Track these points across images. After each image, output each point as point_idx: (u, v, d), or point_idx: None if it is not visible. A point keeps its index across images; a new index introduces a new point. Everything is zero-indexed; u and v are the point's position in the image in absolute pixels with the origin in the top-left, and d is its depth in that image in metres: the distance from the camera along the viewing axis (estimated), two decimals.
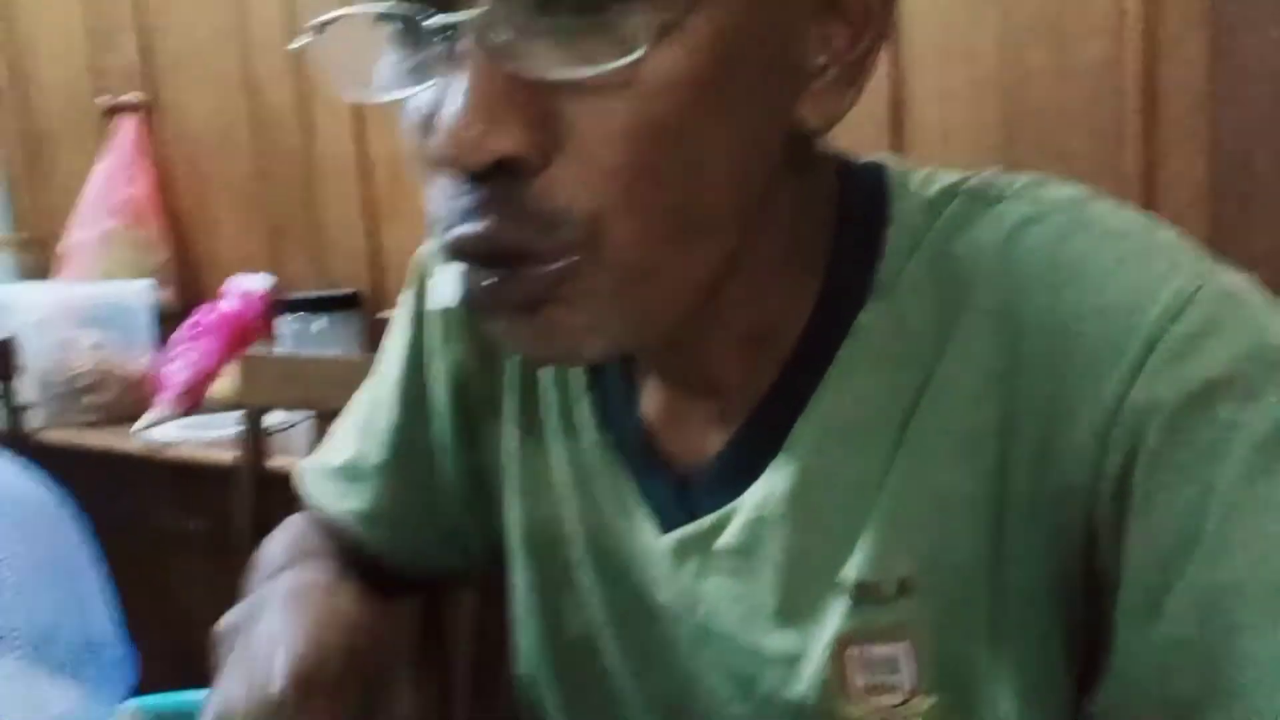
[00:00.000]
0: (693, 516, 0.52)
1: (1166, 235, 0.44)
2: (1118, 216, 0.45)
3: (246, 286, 1.71)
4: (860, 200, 0.49)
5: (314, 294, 1.66)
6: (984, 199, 0.47)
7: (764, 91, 0.41)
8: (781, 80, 0.42)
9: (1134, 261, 0.42)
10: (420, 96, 0.40)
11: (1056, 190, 0.46)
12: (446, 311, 0.59)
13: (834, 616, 0.48)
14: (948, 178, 0.48)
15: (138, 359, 1.72)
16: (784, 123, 0.43)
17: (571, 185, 0.38)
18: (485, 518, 0.63)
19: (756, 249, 0.45)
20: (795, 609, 0.49)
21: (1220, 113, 1.00)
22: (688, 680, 0.54)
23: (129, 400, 1.69)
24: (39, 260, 1.96)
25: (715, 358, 0.50)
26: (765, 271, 0.47)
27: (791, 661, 0.50)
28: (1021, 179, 0.47)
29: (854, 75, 0.43)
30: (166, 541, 1.48)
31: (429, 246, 0.61)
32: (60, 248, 1.83)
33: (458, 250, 0.41)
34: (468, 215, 0.39)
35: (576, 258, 0.39)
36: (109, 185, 1.80)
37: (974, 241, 0.46)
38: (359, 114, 1.61)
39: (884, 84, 1.15)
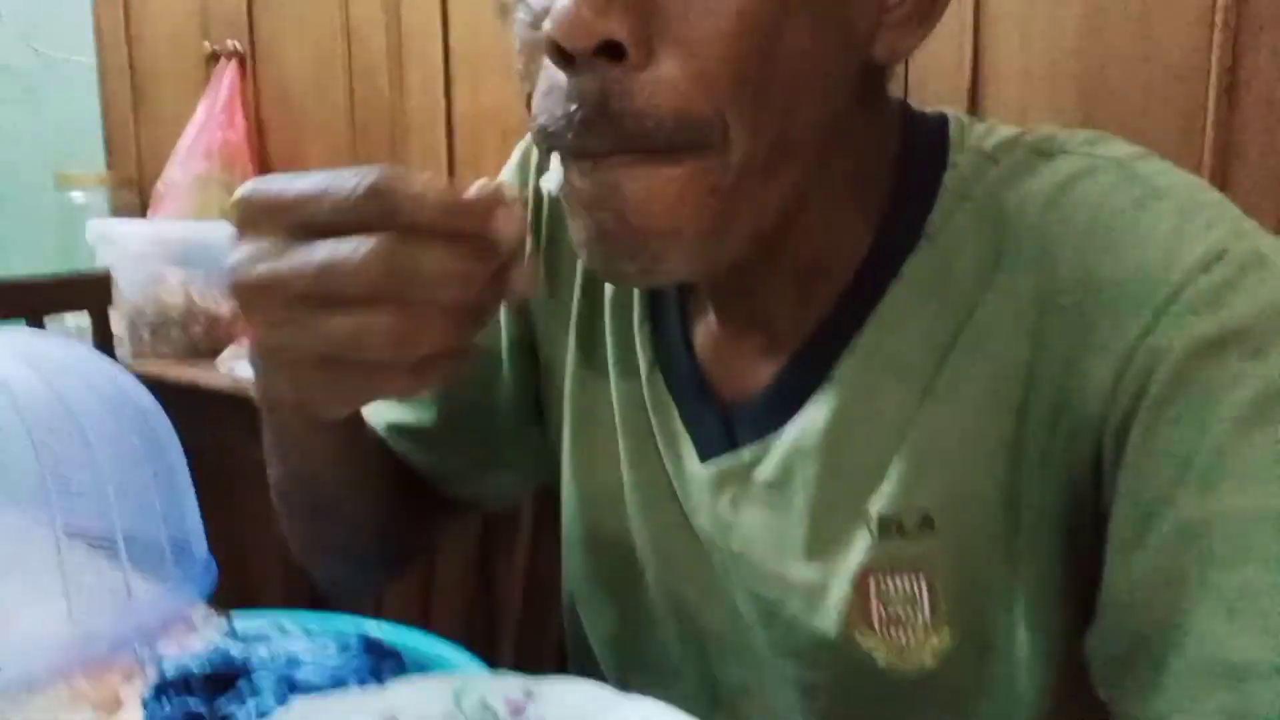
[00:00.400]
0: (735, 447, 0.54)
1: (1210, 196, 0.46)
2: (1166, 176, 0.46)
3: None
4: (921, 147, 0.51)
5: None
6: (1042, 152, 0.49)
7: (846, 15, 0.44)
8: (860, 8, 0.44)
9: (1172, 219, 0.44)
10: None
11: (1113, 147, 0.48)
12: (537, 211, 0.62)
13: (858, 548, 0.50)
14: (1010, 131, 0.50)
15: (224, 297, 1.79)
16: (861, 52, 0.46)
17: (687, 83, 0.40)
18: (537, 439, 0.66)
19: (824, 181, 0.48)
20: (823, 540, 0.52)
21: None
22: (719, 606, 0.57)
23: (215, 336, 1.76)
24: (136, 198, 2.04)
25: (771, 291, 0.52)
26: (828, 205, 0.49)
27: (816, 591, 0.52)
28: (1083, 134, 0.49)
29: (926, 14, 0.46)
30: (241, 471, 1.54)
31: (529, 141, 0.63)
32: (157, 187, 1.91)
33: (563, 148, 0.43)
34: (574, 115, 0.41)
35: (688, 159, 0.41)
36: (206, 129, 1.87)
37: (1025, 192, 0.47)
38: (449, 69, 1.66)
39: (965, 61, 1.16)
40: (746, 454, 0.53)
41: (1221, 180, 1.03)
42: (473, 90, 1.64)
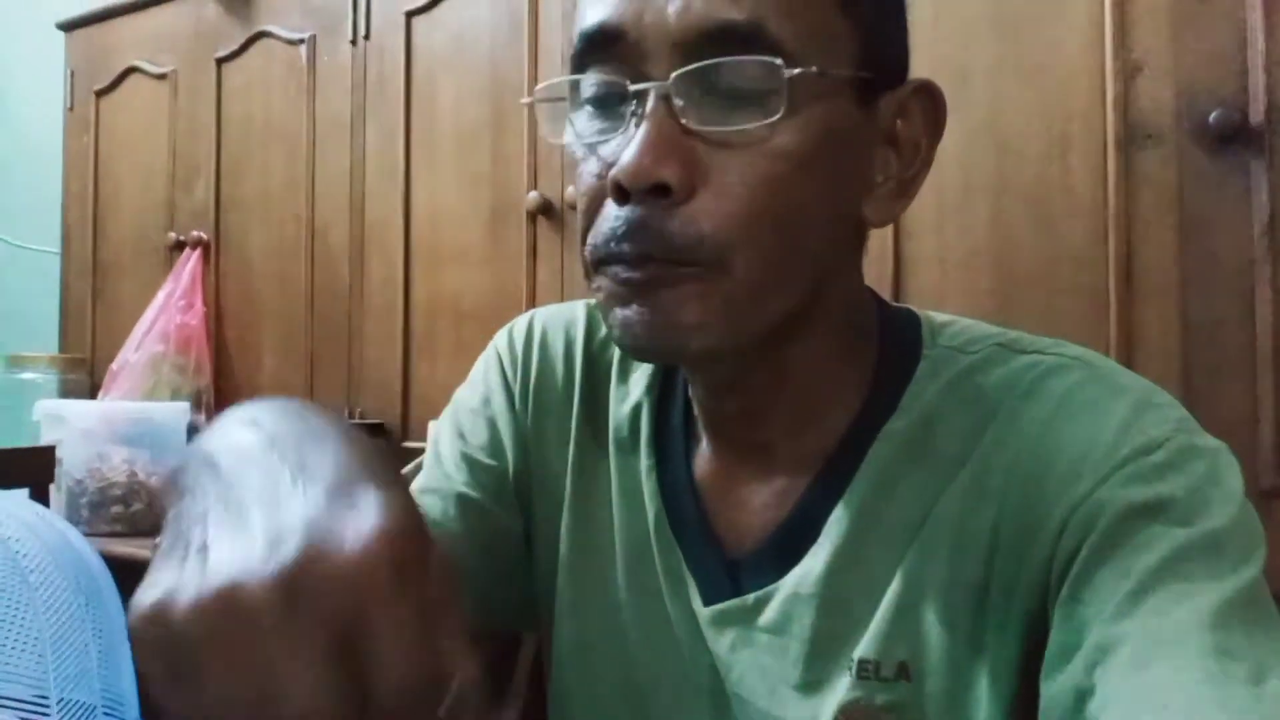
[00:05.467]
0: (737, 590, 0.58)
1: (1162, 396, 0.54)
2: (1126, 376, 0.55)
3: None
4: (896, 329, 0.59)
5: None
6: (1012, 349, 0.57)
7: (845, 181, 0.54)
8: (857, 178, 0.55)
9: (1129, 409, 0.52)
10: (604, 146, 0.53)
11: (1079, 350, 0.57)
12: (512, 369, 0.68)
13: (839, 690, 0.54)
14: (976, 330, 0.59)
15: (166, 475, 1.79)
16: (853, 212, 0.56)
17: (711, 217, 0.50)
18: (521, 580, 0.67)
19: (819, 319, 0.56)
20: (814, 683, 0.55)
21: (1189, 293, 1.11)
22: None
23: (155, 514, 1.74)
24: (87, 378, 2.06)
25: (774, 417, 0.58)
26: (822, 342, 0.57)
27: None
28: (1046, 340, 0.58)
29: (903, 191, 0.57)
30: None
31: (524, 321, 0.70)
32: (111, 367, 1.93)
33: (615, 258, 0.51)
34: (626, 234, 0.51)
35: (706, 273, 0.50)
36: (164, 312, 1.93)
37: (1000, 378, 0.55)
38: (408, 257, 1.75)
39: (888, 252, 1.27)
40: (750, 599, 0.57)
41: (1126, 357, 1.12)
42: (431, 278, 1.73)
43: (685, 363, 0.60)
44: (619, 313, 0.52)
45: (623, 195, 0.50)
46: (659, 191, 0.50)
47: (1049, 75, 1.19)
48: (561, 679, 0.65)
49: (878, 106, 0.54)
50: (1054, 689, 0.47)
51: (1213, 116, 1.09)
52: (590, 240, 0.53)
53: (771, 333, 0.53)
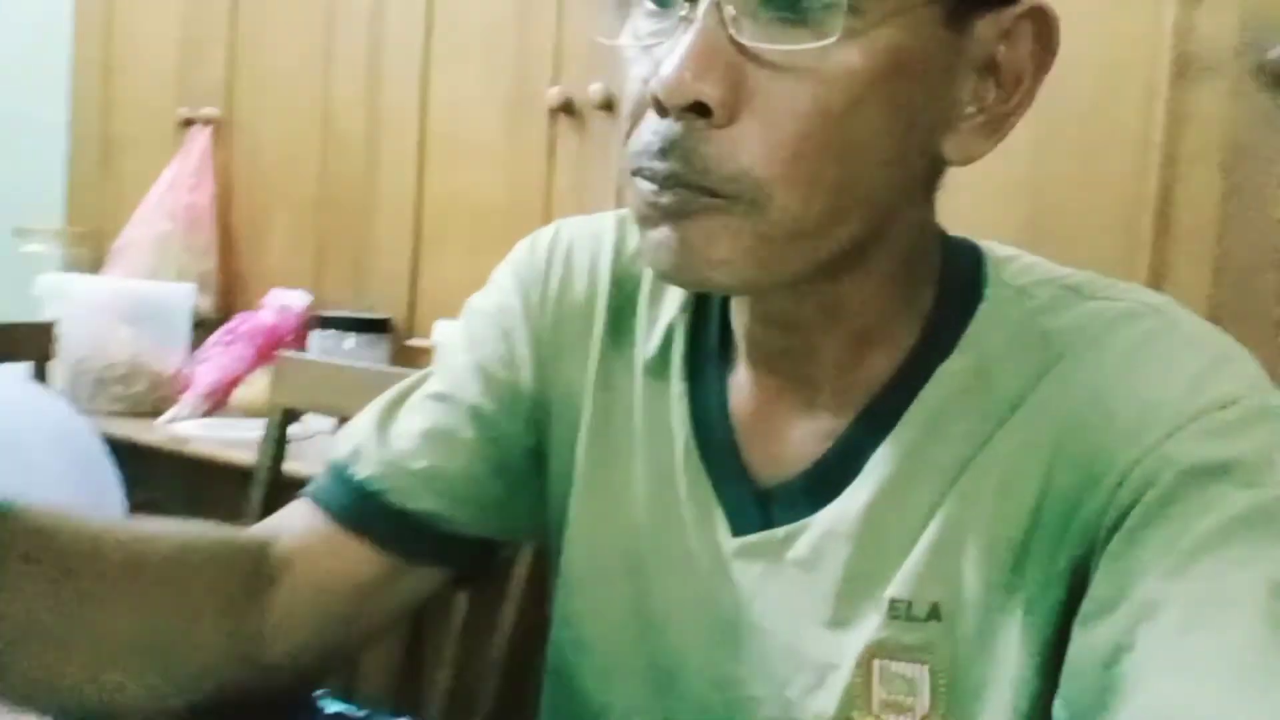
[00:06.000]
0: (767, 522, 0.56)
1: (1238, 351, 0.51)
2: (1201, 326, 0.52)
3: (285, 300, 1.77)
4: (959, 266, 0.56)
5: (349, 314, 1.72)
6: (1079, 293, 0.53)
7: (918, 113, 0.49)
8: (935, 110, 0.50)
9: (1202, 362, 0.49)
10: (654, 50, 0.48)
11: (1154, 296, 0.54)
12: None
13: (869, 628, 0.52)
14: (1040, 271, 0.55)
15: (170, 357, 1.77)
16: (928, 148, 0.50)
17: (753, 148, 0.46)
18: (534, 493, 0.65)
19: (877, 257, 0.52)
20: (843, 620, 0.54)
21: (1226, 235, 1.07)
22: (729, 676, 0.57)
23: (156, 395, 1.73)
24: (93, 254, 2.03)
25: (825, 349, 0.55)
26: (879, 281, 0.53)
27: (826, 669, 0.54)
28: (1121, 284, 0.55)
29: (996, 127, 0.51)
30: None
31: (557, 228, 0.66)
32: (116, 244, 1.90)
33: (646, 174, 0.48)
34: (660, 151, 0.47)
35: (738, 206, 0.47)
36: (172, 190, 1.89)
37: (1066, 323, 0.52)
38: (423, 148, 1.70)
39: None
40: (781, 533, 0.55)
41: None
42: (445, 172, 1.69)
43: (716, 292, 0.57)
44: (649, 234, 0.49)
45: (661, 109, 0.47)
46: (698, 110, 0.46)
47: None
48: (569, 601, 0.64)
49: (973, 28, 0.49)
50: (1090, 639, 0.46)
51: (1273, 53, 1.04)
52: (629, 149, 0.50)
53: (817, 270, 0.50)
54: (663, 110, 0.47)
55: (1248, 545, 0.44)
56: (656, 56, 0.48)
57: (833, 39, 0.45)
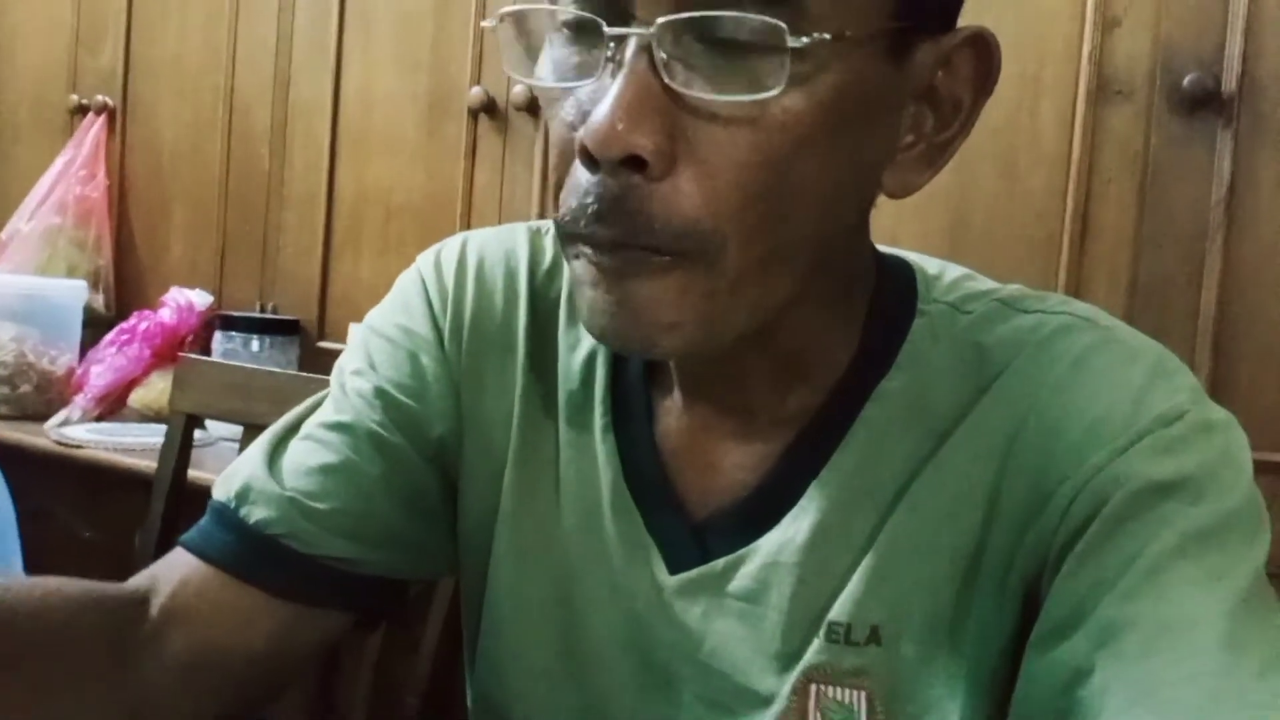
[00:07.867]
0: (704, 555, 0.54)
1: (1174, 361, 0.51)
2: (1138, 338, 0.52)
3: (186, 299, 1.70)
4: (893, 288, 0.54)
5: (254, 314, 1.66)
6: (1012, 306, 0.53)
7: (861, 150, 0.47)
8: (876, 145, 0.48)
9: (1146, 375, 0.49)
10: (579, 91, 0.44)
11: (1085, 308, 0.53)
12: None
13: (808, 653, 0.51)
14: (975, 286, 0.54)
15: (60, 357, 1.68)
16: (870, 182, 0.49)
17: (696, 200, 0.43)
18: (447, 525, 0.61)
19: (817, 286, 0.50)
20: (792, 653, 0.52)
21: (1141, 252, 1.10)
22: (670, 712, 0.55)
23: (44, 398, 1.64)
24: None
25: (755, 377, 0.53)
26: (815, 306, 0.51)
27: (769, 700, 0.52)
28: (1052, 297, 0.54)
29: (934, 157, 0.49)
30: (55, 547, 1.42)
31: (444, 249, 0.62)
32: (0, 237, 1.79)
33: (585, 239, 0.45)
34: (597, 215, 0.44)
35: (687, 263, 0.44)
36: (62, 182, 1.79)
37: (1001, 337, 0.51)
38: (335, 143, 1.64)
39: None
40: (720, 564, 0.53)
41: None
42: (358, 168, 1.63)
43: (660, 359, 0.54)
44: (588, 293, 0.46)
45: (592, 162, 0.43)
46: (633, 163, 0.43)
47: (1027, 19, 1.15)
48: (495, 643, 0.60)
49: (914, 58, 0.47)
50: (1046, 662, 0.45)
51: (1187, 80, 1.07)
52: (561, 207, 0.46)
53: (762, 326, 0.48)
54: (593, 163, 0.43)
55: (1200, 563, 0.44)
56: (580, 99, 0.45)
57: (774, 92, 0.42)
